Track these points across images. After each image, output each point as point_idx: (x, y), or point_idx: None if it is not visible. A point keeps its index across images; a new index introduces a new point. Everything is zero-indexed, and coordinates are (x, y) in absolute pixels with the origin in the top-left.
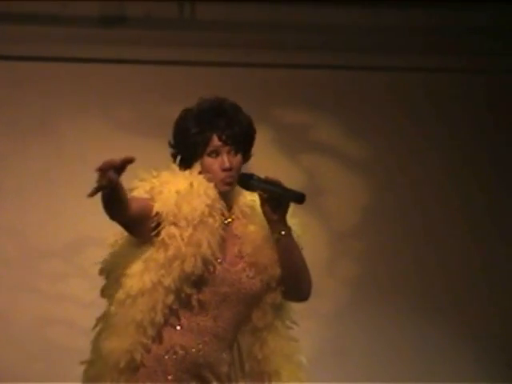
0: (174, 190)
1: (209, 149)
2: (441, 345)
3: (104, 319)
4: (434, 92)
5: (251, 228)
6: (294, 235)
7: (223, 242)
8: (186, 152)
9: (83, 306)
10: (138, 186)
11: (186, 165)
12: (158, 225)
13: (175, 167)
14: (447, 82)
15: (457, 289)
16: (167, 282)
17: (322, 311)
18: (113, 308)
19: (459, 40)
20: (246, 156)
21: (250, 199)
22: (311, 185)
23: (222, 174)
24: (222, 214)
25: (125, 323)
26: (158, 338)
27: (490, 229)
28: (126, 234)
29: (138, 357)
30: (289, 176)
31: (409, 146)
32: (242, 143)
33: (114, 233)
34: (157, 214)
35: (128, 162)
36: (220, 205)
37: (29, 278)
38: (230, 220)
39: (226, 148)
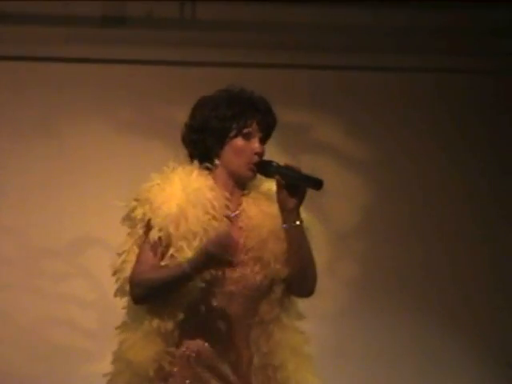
0: (174, 204)
1: (245, 130)
2: (442, 344)
3: (123, 328)
4: (438, 91)
5: (257, 221)
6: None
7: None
8: (217, 134)
9: (85, 306)
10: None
11: (210, 148)
12: (167, 241)
13: (176, 165)
14: (451, 82)
15: (459, 288)
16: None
17: (322, 311)
18: (129, 318)
19: (469, 40)
20: None
21: (267, 188)
22: None
23: (253, 158)
24: (228, 208)
25: (146, 332)
26: (180, 344)
27: (498, 229)
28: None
29: (165, 365)
30: None
31: (409, 146)
32: (268, 135)
33: (123, 242)
34: (159, 238)
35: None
36: (224, 202)
37: (30, 278)
38: (237, 212)
39: (259, 134)
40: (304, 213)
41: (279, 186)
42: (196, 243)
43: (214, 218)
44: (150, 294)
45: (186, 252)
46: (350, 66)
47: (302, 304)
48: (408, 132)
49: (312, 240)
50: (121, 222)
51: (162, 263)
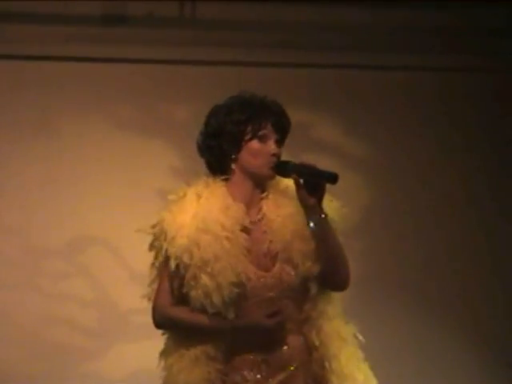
0: (185, 234)
1: (260, 132)
2: (441, 344)
3: (167, 354)
4: (438, 91)
5: (279, 223)
6: (330, 220)
7: (251, 245)
8: (233, 138)
9: (85, 306)
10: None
11: (227, 152)
12: (185, 269)
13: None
14: (451, 81)
15: (458, 288)
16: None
17: None
18: (173, 343)
19: (469, 40)
20: None
21: (285, 186)
22: None
23: (271, 159)
24: (248, 215)
25: (193, 355)
26: (229, 359)
27: (498, 228)
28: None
29: (218, 383)
30: None
31: (409, 145)
32: (284, 137)
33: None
34: (177, 267)
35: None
36: (240, 215)
37: (31, 277)
38: (259, 217)
39: (275, 136)
40: (332, 202)
41: (297, 184)
42: (208, 269)
43: (226, 238)
44: (173, 327)
45: (202, 279)
46: (350, 64)
47: None
48: (408, 131)
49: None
50: (148, 249)
51: (184, 290)
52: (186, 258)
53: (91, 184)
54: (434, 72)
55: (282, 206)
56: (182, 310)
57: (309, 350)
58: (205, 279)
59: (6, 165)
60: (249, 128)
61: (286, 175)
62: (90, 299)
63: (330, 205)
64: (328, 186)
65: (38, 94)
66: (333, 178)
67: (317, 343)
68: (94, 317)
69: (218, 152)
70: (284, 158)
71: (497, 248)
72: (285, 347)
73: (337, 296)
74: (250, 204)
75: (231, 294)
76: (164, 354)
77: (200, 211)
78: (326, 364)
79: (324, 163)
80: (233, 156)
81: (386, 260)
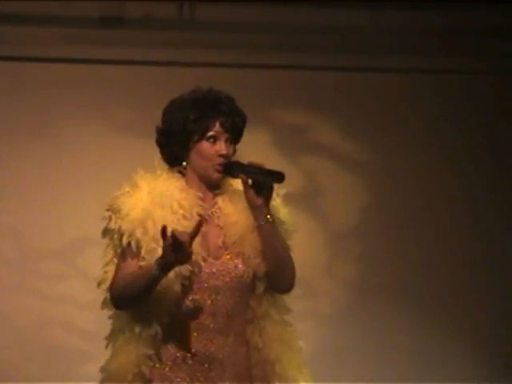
0: (140, 207)
1: (208, 134)
2: (440, 345)
3: (109, 337)
4: (436, 92)
5: (234, 218)
6: (285, 226)
7: (206, 235)
8: (181, 138)
9: (82, 307)
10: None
11: (176, 153)
12: (137, 245)
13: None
14: (450, 83)
15: (456, 289)
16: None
17: (320, 312)
18: (114, 326)
19: (468, 41)
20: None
21: (237, 187)
22: (310, 186)
23: (218, 160)
24: (203, 207)
25: (127, 338)
26: (165, 347)
27: (495, 230)
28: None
29: (145, 370)
30: (288, 177)
31: (407, 148)
32: (237, 134)
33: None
34: (129, 243)
35: (200, 225)
36: (196, 201)
37: (28, 279)
38: (212, 211)
39: (225, 135)
40: (284, 208)
41: (245, 184)
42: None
43: (183, 217)
44: (125, 301)
45: (158, 253)
46: (349, 67)
47: (300, 305)
48: (406, 133)
49: (305, 245)
50: (101, 235)
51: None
52: (139, 233)
53: (90, 186)
54: (433, 74)
55: (236, 202)
56: (122, 278)
57: (251, 352)
58: (160, 253)
59: (4, 167)
60: (196, 129)
61: (234, 175)
62: (87, 301)
63: (283, 210)
64: (328, 187)
65: (36, 96)
66: (279, 178)
67: (260, 345)
68: (92, 319)
69: (167, 151)
70: (282, 159)
71: (494, 251)
72: (219, 355)
73: (281, 300)
74: (205, 199)
75: (185, 271)
76: (107, 338)
77: (156, 189)
78: (268, 367)
79: (322, 165)
80: (182, 156)
81: (383, 261)
